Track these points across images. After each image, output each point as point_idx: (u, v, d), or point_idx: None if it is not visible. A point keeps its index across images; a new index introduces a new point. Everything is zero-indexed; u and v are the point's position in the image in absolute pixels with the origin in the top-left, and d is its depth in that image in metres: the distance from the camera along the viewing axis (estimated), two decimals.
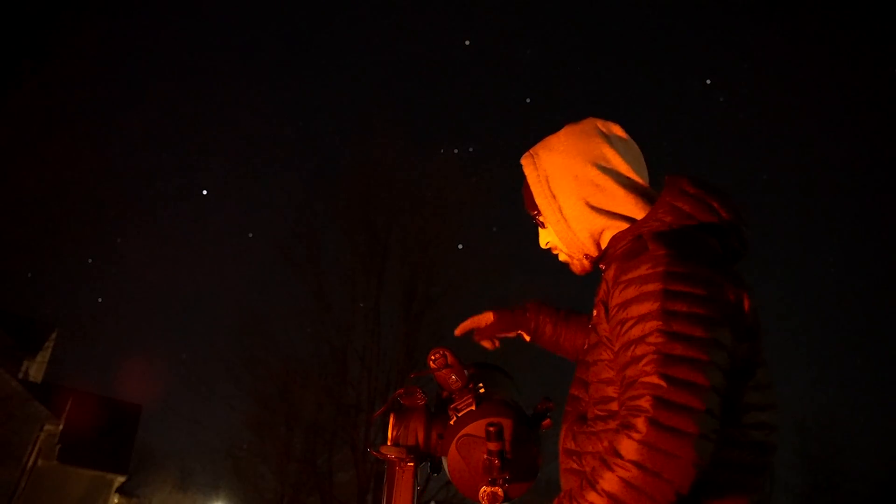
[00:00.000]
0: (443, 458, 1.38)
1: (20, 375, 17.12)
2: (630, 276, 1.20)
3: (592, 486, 1.09)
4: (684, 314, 1.12)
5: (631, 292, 1.18)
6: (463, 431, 1.33)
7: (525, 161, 1.50)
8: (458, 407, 1.36)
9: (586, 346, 1.40)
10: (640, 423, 1.05)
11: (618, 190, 1.39)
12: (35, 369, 18.66)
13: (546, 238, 1.52)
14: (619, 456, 1.07)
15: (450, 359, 1.34)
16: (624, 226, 1.39)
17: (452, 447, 1.34)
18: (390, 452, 1.34)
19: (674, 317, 1.11)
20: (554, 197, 1.43)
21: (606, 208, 1.40)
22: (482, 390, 1.39)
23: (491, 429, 1.22)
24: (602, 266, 1.43)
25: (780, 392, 1.20)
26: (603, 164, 1.40)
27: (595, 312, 1.34)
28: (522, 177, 1.51)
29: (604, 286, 1.31)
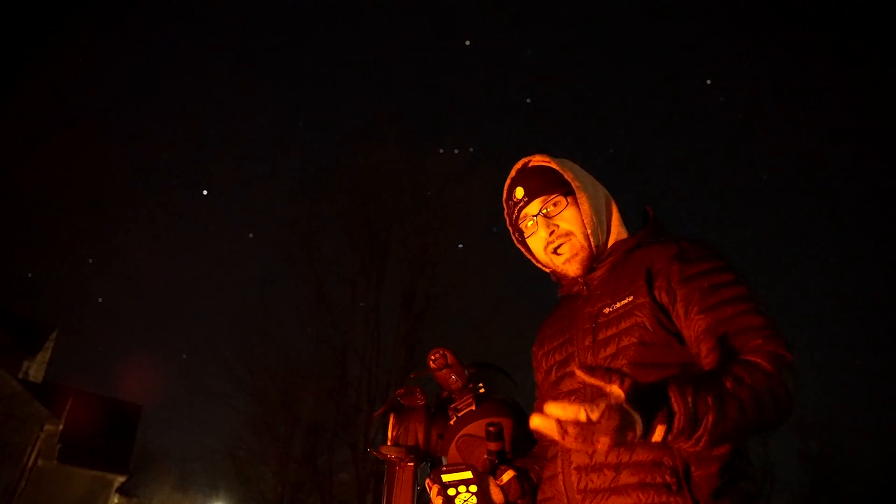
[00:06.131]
0: (443, 458, 1.38)
1: (20, 375, 17.11)
2: (697, 252, 1.35)
3: (741, 381, 1.08)
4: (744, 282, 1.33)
5: (706, 264, 1.31)
6: (463, 431, 1.33)
7: (544, 156, 1.54)
8: (458, 407, 1.36)
9: (590, 341, 1.35)
10: (780, 350, 1.16)
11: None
12: (35, 369, 18.66)
13: (556, 223, 1.47)
14: (767, 371, 1.11)
15: (450, 359, 1.34)
16: (625, 234, 1.51)
17: (452, 447, 1.34)
18: (390, 452, 1.35)
19: (742, 282, 1.30)
20: (585, 186, 1.50)
21: (616, 216, 1.53)
22: (482, 390, 1.39)
23: (491, 429, 1.22)
24: (596, 266, 1.47)
25: None
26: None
27: (623, 301, 1.34)
28: (528, 169, 1.54)
29: (640, 265, 1.37)
